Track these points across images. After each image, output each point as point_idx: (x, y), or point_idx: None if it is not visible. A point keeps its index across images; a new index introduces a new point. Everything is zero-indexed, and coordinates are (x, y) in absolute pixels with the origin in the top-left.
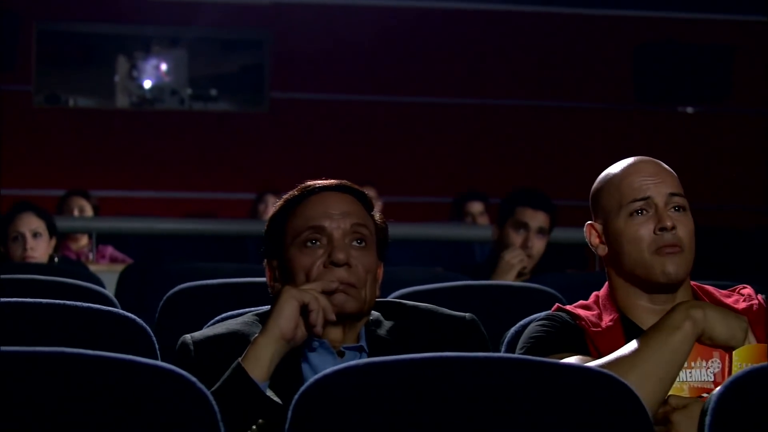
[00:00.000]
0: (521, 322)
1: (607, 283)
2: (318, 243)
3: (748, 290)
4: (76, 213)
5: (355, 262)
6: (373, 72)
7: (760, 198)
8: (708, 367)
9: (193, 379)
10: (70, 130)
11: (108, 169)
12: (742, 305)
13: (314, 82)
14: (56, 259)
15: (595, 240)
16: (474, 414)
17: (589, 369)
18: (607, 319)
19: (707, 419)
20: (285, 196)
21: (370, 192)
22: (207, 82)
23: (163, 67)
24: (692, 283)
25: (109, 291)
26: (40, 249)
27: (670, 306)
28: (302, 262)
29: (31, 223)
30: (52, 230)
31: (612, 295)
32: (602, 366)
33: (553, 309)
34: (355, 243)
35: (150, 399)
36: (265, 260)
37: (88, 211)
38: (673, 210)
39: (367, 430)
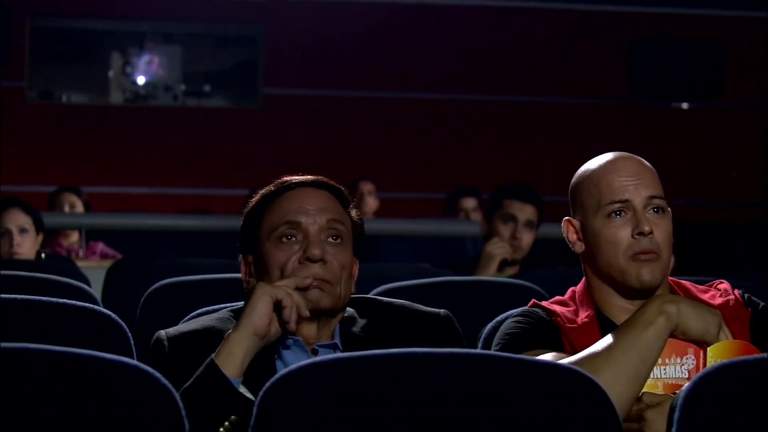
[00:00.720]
0: (497, 318)
1: (584, 279)
2: (293, 238)
3: (724, 285)
4: (66, 209)
5: (330, 258)
6: (366, 68)
7: (754, 193)
8: (682, 364)
9: (158, 374)
10: (63, 126)
11: (101, 165)
12: (718, 300)
13: (307, 78)
14: (43, 255)
15: (573, 236)
16: (440, 410)
17: (557, 365)
18: (582, 316)
19: (676, 414)
20: (261, 191)
21: (368, 186)
22: (200, 78)
23: (157, 63)
24: (669, 278)
25: (98, 287)
26: (26, 245)
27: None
28: (277, 258)
29: (17, 219)
30: (39, 226)
31: (588, 291)
32: (575, 362)
33: (529, 305)
34: (330, 239)
35: (114, 394)
36: (241, 255)
37: (79, 207)
38: (651, 212)
39: (333, 425)
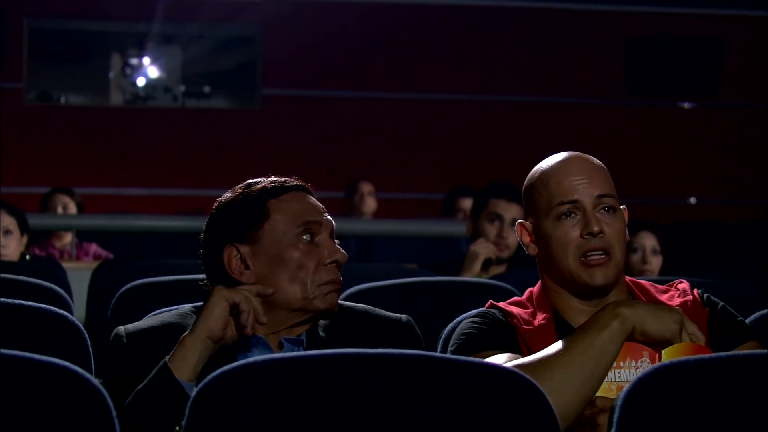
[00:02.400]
0: (457, 319)
1: (540, 280)
2: (312, 238)
3: (684, 285)
4: (59, 210)
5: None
6: (365, 68)
7: (751, 192)
8: (638, 367)
9: (88, 375)
10: (62, 127)
11: (101, 166)
12: (677, 301)
13: (306, 78)
14: (28, 257)
15: (526, 239)
16: (373, 411)
17: (493, 366)
18: (539, 317)
19: (615, 415)
20: (261, 184)
21: (367, 187)
22: (200, 79)
23: (157, 64)
24: (627, 278)
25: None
26: (11, 246)
27: (603, 306)
28: (298, 257)
29: (2, 221)
30: (24, 228)
31: (545, 293)
32: (528, 365)
33: (486, 305)
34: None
35: (44, 395)
36: (227, 245)
37: (72, 209)
38: (602, 211)
39: (266, 426)
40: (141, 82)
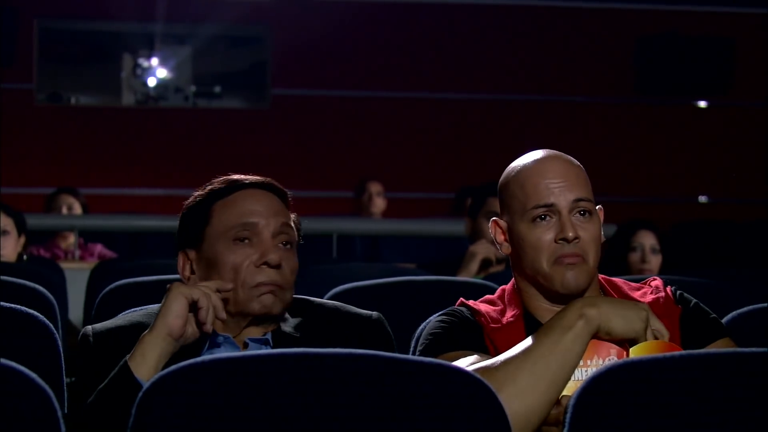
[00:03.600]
0: (429, 319)
1: (513, 278)
2: (248, 240)
3: (657, 282)
4: (64, 211)
5: (284, 264)
6: (375, 68)
7: (763, 190)
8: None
9: (33, 375)
10: (72, 128)
11: (111, 167)
12: (648, 298)
13: (316, 78)
14: (25, 257)
15: (500, 237)
16: (320, 410)
17: (442, 365)
18: (509, 315)
19: (568, 415)
20: (209, 187)
21: (377, 187)
22: (211, 79)
23: (167, 64)
24: (600, 276)
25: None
26: (7, 247)
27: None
28: (232, 259)
29: None
30: (21, 228)
31: (516, 291)
32: (491, 368)
33: (457, 303)
34: (281, 244)
35: None
36: (180, 251)
37: (77, 209)
38: (578, 215)
39: (211, 426)
40: (152, 82)
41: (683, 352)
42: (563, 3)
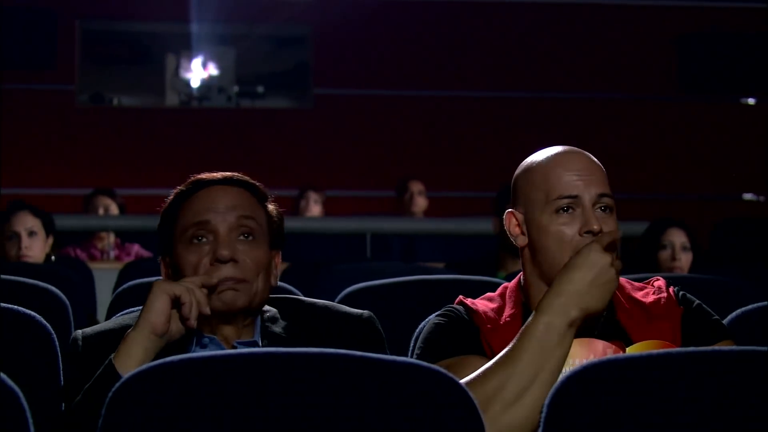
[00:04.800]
0: (427, 319)
1: (519, 275)
2: (204, 239)
3: (659, 282)
4: (101, 212)
5: (242, 256)
6: (416, 67)
7: None
8: None
9: (2, 375)
10: (114, 129)
11: (153, 167)
12: (650, 298)
13: (358, 77)
14: (53, 258)
15: (515, 229)
16: (293, 411)
17: (417, 365)
18: (507, 313)
19: (543, 414)
20: (175, 191)
21: (418, 186)
22: (254, 79)
23: (211, 65)
24: None
25: None
26: (35, 248)
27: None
28: (189, 260)
29: (26, 222)
30: (49, 229)
31: (522, 287)
32: (482, 375)
33: (456, 302)
34: (242, 237)
35: None
36: (160, 257)
37: (114, 210)
38: (599, 210)
39: (181, 426)
40: (195, 82)
41: (658, 350)
42: (605, 1)
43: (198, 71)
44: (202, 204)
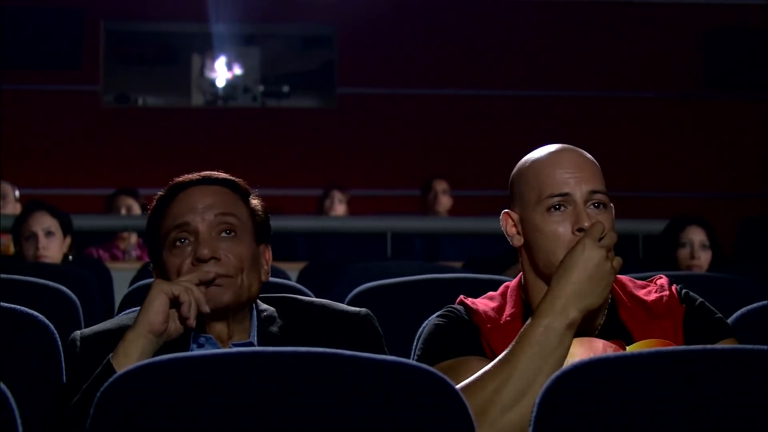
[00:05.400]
0: (429, 319)
1: (519, 274)
2: (186, 241)
3: (662, 281)
4: (123, 212)
5: (224, 253)
6: (440, 65)
7: None
8: None
9: None
10: (139, 129)
11: (178, 167)
12: (653, 296)
13: (382, 76)
14: (71, 258)
15: (512, 229)
16: (279, 410)
17: (404, 363)
18: (507, 312)
19: (533, 413)
20: (155, 197)
21: (442, 185)
22: (279, 78)
23: (236, 65)
24: None
25: None
26: (52, 248)
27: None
28: (173, 263)
29: (43, 222)
30: (67, 229)
31: (523, 287)
32: (479, 379)
33: (457, 301)
34: (224, 234)
35: None
36: (151, 265)
37: (136, 210)
38: (592, 207)
39: (169, 426)
40: (220, 82)
41: (648, 349)
42: None
43: (223, 71)
44: (181, 206)
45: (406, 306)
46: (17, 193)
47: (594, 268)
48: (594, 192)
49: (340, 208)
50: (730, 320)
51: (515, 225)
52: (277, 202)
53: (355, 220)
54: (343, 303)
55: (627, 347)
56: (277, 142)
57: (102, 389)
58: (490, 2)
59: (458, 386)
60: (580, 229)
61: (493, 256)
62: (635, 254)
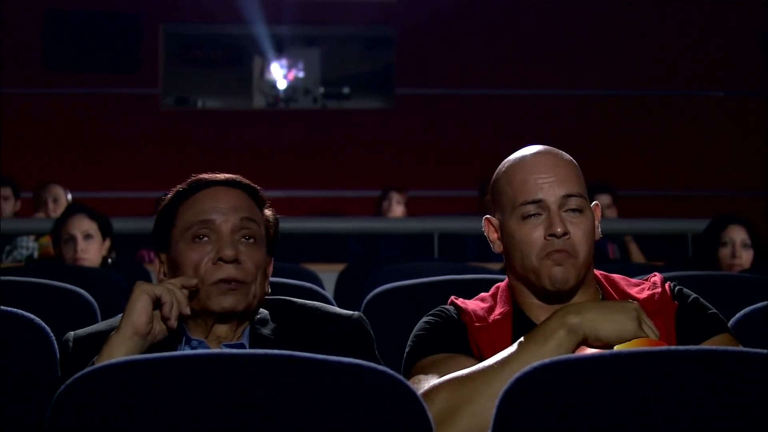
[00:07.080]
0: (423, 318)
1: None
2: (207, 238)
3: (656, 278)
4: None
5: (244, 258)
6: (498, 66)
7: None
8: None
9: None
10: (198, 131)
11: (238, 169)
12: (645, 294)
13: (440, 77)
14: (110, 261)
15: (493, 235)
16: (238, 411)
17: (361, 365)
18: (497, 312)
19: (493, 415)
20: (174, 189)
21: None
22: (340, 80)
23: (296, 67)
24: (598, 273)
25: None
26: (91, 251)
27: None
28: (191, 258)
29: (82, 225)
30: (106, 232)
31: (509, 288)
32: (466, 376)
33: (448, 302)
34: (244, 239)
35: None
36: (155, 254)
37: None
38: (569, 212)
39: (125, 427)
40: (281, 84)
41: (610, 351)
42: None
43: (284, 73)
44: (206, 203)
45: (422, 308)
46: (69, 196)
47: (620, 306)
48: (568, 196)
49: (398, 210)
50: (732, 320)
51: (496, 231)
52: (337, 204)
53: (399, 222)
54: (360, 305)
55: (615, 347)
56: (337, 144)
57: (61, 390)
58: (549, 2)
59: (447, 377)
60: (552, 235)
61: None
62: (684, 253)
